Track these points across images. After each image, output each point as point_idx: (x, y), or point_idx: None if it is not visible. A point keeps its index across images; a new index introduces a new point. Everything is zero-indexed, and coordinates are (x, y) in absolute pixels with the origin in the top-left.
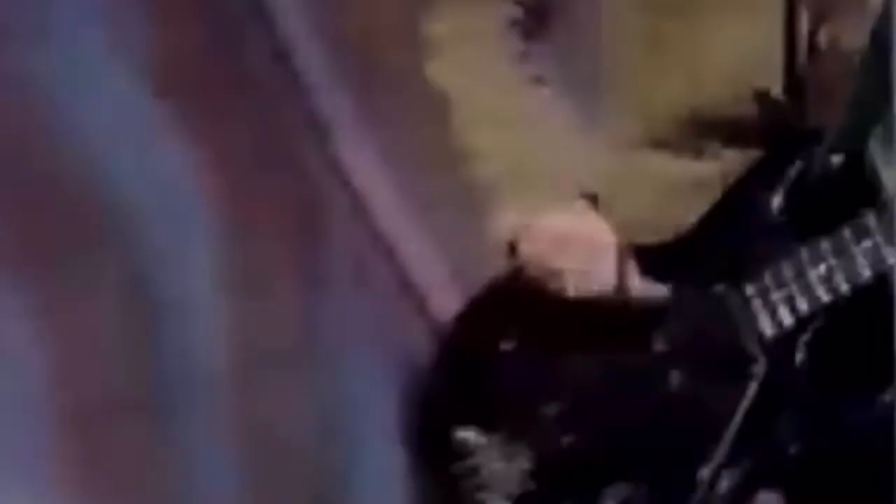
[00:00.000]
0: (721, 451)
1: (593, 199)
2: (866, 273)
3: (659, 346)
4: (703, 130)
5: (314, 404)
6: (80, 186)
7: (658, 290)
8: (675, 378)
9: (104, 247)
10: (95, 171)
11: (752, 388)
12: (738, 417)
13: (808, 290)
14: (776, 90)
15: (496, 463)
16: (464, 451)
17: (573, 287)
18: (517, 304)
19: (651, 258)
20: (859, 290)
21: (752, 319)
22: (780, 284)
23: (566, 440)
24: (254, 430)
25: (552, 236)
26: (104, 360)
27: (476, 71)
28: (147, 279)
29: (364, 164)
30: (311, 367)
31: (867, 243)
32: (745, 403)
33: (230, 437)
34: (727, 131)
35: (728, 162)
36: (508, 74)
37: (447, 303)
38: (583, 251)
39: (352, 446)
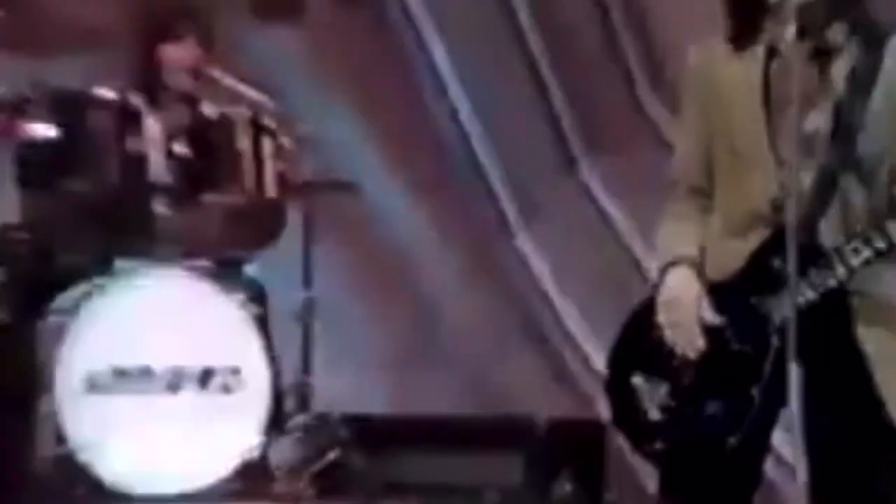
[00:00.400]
0: (763, 380)
1: (693, 263)
2: (818, 291)
3: (729, 337)
4: (749, 222)
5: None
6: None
7: (714, 315)
8: (735, 346)
9: (402, 270)
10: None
11: (773, 349)
12: (769, 362)
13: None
14: (781, 197)
15: (649, 392)
16: (635, 387)
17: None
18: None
19: (716, 288)
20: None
21: (772, 315)
22: (782, 299)
23: (686, 377)
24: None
25: (662, 302)
26: (394, 331)
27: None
28: (428, 291)
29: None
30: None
31: (822, 275)
32: (771, 354)
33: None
34: (761, 221)
35: (757, 239)
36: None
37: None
38: (675, 308)
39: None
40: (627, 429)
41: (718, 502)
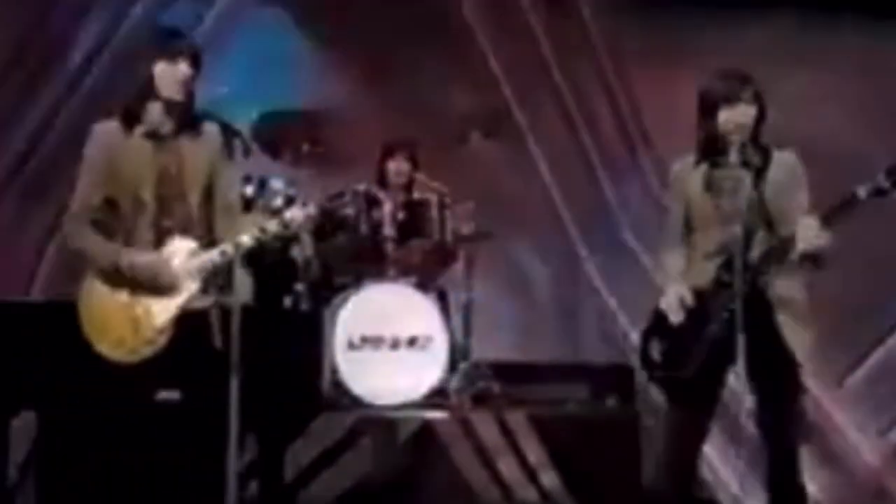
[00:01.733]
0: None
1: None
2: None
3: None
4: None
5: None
6: None
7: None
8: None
9: (519, 281)
10: None
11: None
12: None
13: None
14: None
15: (656, 349)
16: (653, 349)
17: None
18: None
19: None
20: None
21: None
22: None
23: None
24: None
25: (669, 295)
26: (515, 315)
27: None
28: (534, 292)
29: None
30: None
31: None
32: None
33: None
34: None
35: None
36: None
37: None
38: (672, 300)
39: None
40: (646, 368)
41: (696, 401)
